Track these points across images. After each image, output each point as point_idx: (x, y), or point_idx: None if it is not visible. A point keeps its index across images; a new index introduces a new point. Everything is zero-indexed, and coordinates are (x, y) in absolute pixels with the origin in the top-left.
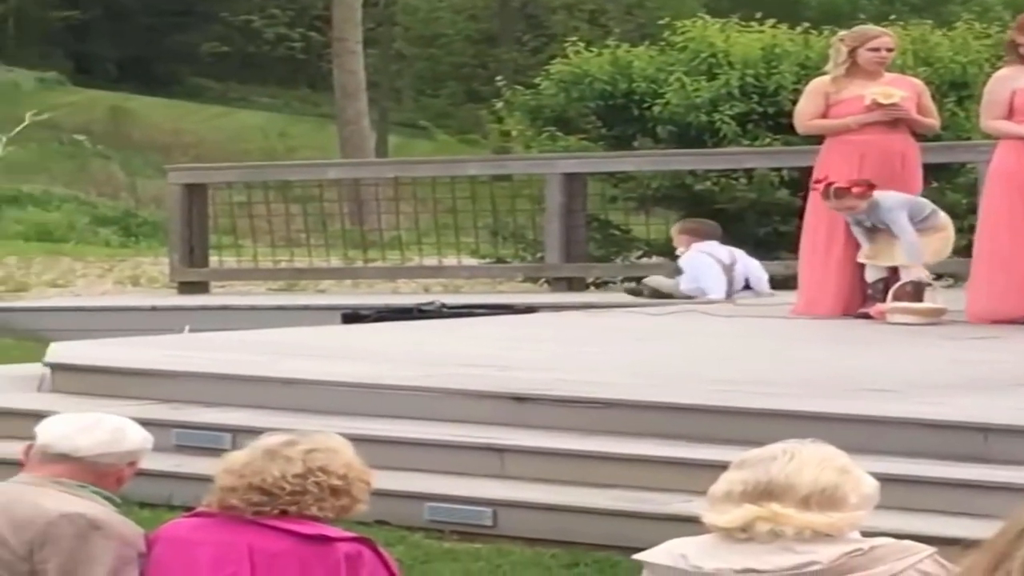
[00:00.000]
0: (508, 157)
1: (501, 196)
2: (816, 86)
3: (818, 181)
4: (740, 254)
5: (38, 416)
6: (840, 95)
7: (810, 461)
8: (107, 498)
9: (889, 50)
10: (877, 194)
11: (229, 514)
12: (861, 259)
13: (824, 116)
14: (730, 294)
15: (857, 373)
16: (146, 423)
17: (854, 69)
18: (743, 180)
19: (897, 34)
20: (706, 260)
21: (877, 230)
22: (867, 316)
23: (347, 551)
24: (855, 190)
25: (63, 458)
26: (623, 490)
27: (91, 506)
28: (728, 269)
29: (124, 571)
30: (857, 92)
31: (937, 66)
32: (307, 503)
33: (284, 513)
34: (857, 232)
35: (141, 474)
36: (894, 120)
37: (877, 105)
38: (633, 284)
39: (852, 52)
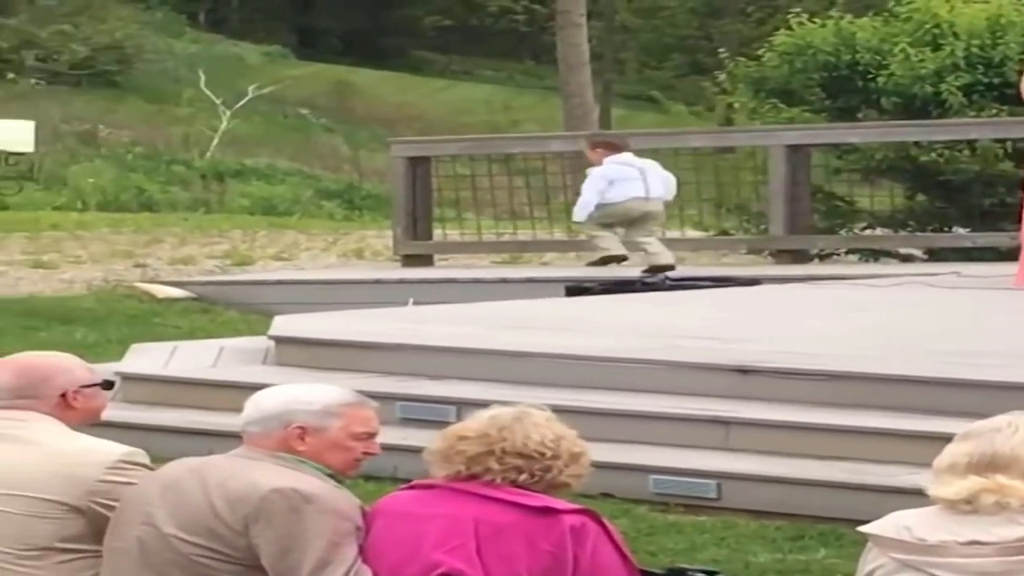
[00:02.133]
0: (731, 129)
1: (724, 168)
2: None
3: None
4: (651, 164)
5: (263, 389)
6: None
7: None
8: (330, 474)
9: None
10: None
11: (452, 486)
12: None
13: None
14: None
15: None
16: (370, 396)
17: None
18: (967, 152)
19: None
20: (621, 169)
21: None
22: None
23: (572, 523)
24: None
25: (253, 432)
26: (848, 462)
27: (305, 480)
28: (643, 175)
29: (342, 545)
30: None
31: None
32: (559, 467)
33: (529, 480)
34: None
35: None
36: None
37: None
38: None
39: None
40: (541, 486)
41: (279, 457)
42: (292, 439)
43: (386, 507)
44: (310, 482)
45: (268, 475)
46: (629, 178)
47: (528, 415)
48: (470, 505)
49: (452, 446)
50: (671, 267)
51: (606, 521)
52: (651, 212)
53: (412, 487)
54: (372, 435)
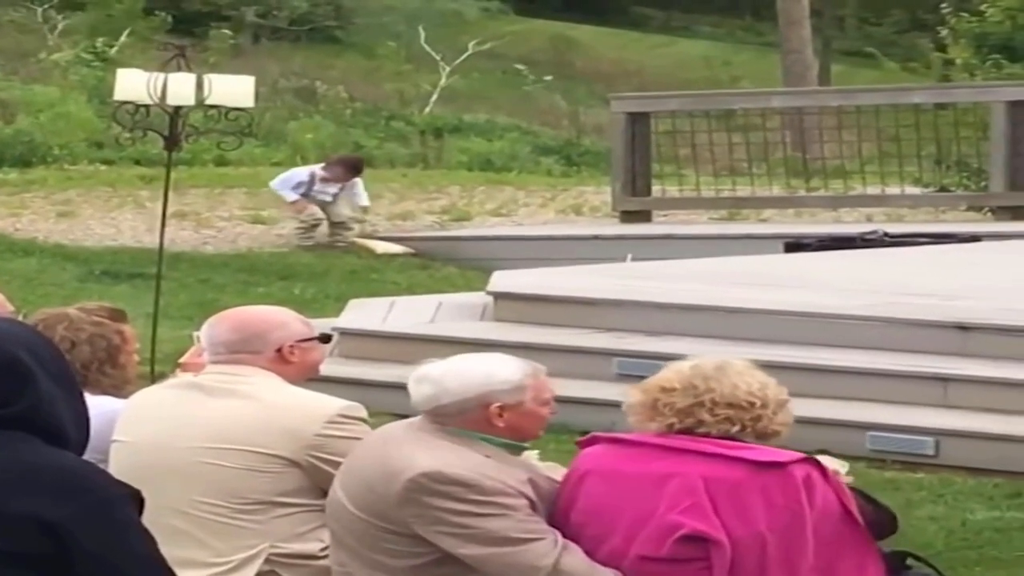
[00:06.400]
0: (953, 85)
1: (944, 124)
2: None
3: None
4: None
5: (480, 344)
6: None
7: None
8: (505, 444)
9: None
10: None
11: (665, 443)
12: None
13: None
14: None
15: None
16: (588, 352)
17: None
18: None
19: None
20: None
21: None
22: None
23: (802, 475)
24: None
25: (445, 411)
26: None
27: (465, 460)
28: None
29: (510, 518)
30: None
31: None
32: (768, 416)
33: (741, 431)
34: None
35: (582, 403)
36: None
37: None
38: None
39: None
40: (751, 437)
41: (452, 432)
42: (493, 418)
43: (594, 466)
44: (469, 462)
45: (426, 453)
46: None
47: (729, 364)
48: (692, 463)
49: (658, 399)
50: None
51: (826, 467)
52: None
53: (612, 441)
54: (551, 399)
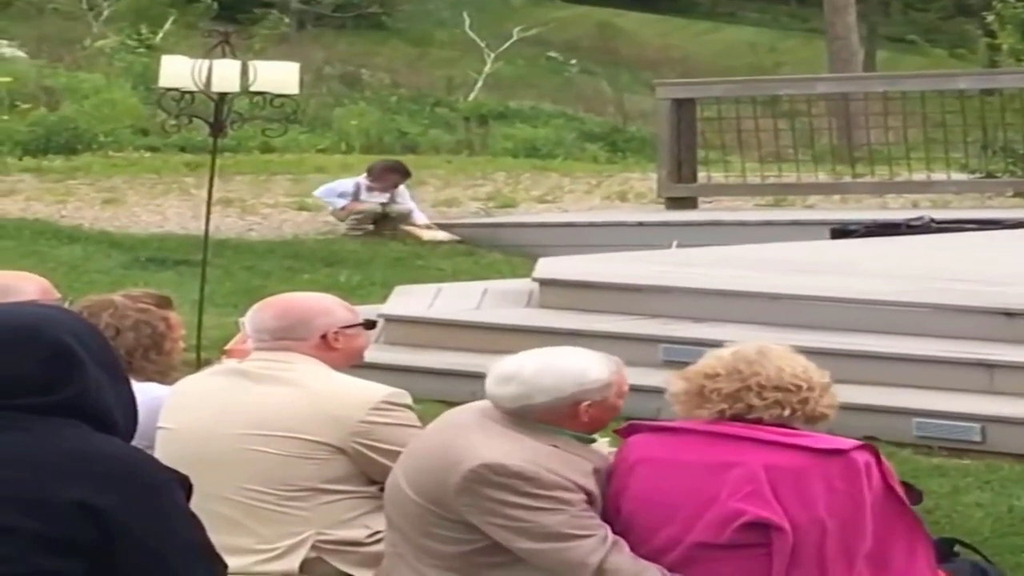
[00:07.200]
0: (999, 71)
1: (991, 110)
2: None
3: None
4: None
5: (526, 331)
6: None
7: None
8: (576, 436)
9: None
10: None
11: (718, 429)
12: None
13: None
14: None
15: None
16: (633, 338)
17: None
18: None
19: None
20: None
21: None
22: None
23: (863, 461)
24: None
25: (534, 407)
26: None
27: (529, 451)
28: None
29: (566, 513)
30: None
31: None
32: (815, 399)
33: (791, 416)
34: None
35: (629, 390)
36: None
37: None
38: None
39: None
40: (801, 421)
41: (524, 423)
42: (580, 415)
43: (644, 455)
44: (532, 453)
45: (491, 443)
46: None
47: (769, 348)
48: (751, 451)
49: (704, 385)
50: None
51: (882, 456)
52: None
53: (658, 430)
54: (627, 391)
